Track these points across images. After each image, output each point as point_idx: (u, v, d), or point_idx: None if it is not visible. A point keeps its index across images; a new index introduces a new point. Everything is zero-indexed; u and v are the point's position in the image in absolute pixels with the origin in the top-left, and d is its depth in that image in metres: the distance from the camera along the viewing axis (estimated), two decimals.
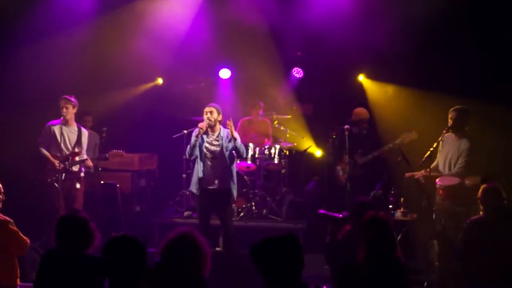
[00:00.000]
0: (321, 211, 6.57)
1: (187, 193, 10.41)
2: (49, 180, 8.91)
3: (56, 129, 9.12)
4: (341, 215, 6.27)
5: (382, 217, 5.10)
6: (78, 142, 9.19)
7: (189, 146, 8.43)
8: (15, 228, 6.16)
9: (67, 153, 9.06)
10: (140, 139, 11.63)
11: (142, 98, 11.84)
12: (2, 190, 6.28)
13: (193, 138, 8.36)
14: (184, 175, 10.69)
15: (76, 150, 9.13)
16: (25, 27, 10.22)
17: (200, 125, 8.32)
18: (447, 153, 8.35)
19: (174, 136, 11.22)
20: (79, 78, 10.61)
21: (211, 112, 8.41)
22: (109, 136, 9.77)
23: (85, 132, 9.31)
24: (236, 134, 8.39)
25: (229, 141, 8.40)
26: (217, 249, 9.14)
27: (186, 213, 10.46)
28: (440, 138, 8.30)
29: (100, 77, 10.97)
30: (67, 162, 8.98)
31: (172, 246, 4.61)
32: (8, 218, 6.16)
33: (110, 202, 10.27)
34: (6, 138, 10.05)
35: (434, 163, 8.42)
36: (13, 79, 10.41)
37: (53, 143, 9.08)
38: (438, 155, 8.47)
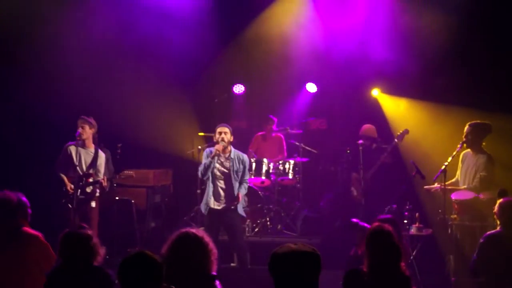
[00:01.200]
0: (354, 220, 6.51)
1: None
2: (63, 201, 8.92)
3: (73, 149, 9.07)
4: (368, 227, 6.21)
5: (386, 229, 5.07)
6: (93, 164, 9.09)
7: (203, 166, 8.34)
8: (45, 242, 6.13)
9: (81, 174, 9.03)
10: (157, 155, 11.62)
11: (156, 112, 11.84)
12: (29, 205, 6.28)
13: (207, 159, 8.27)
14: (198, 191, 10.66)
15: (91, 171, 9.09)
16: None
17: (217, 147, 8.24)
18: (466, 169, 8.31)
19: (189, 152, 11.27)
20: (93, 94, 10.65)
21: (225, 133, 8.33)
22: (124, 151, 9.78)
23: (102, 155, 9.20)
24: (240, 198, 8.42)
25: (239, 163, 8.38)
26: (232, 264, 9.10)
27: (201, 229, 10.42)
28: (454, 153, 8.25)
29: (113, 93, 11.00)
30: (81, 183, 8.96)
31: (175, 247, 4.60)
32: (38, 232, 6.15)
33: (125, 218, 10.26)
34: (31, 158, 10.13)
35: (453, 180, 8.39)
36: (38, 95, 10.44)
37: (69, 163, 9.06)
38: (458, 171, 8.42)
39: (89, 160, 9.10)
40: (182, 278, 4.47)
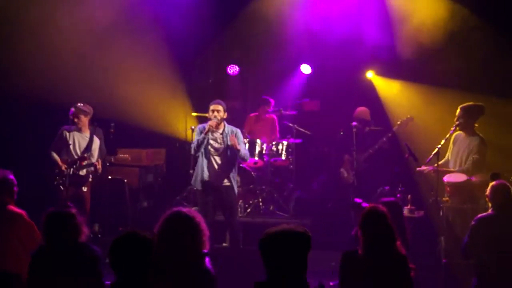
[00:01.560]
0: (358, 200, 6.51)
1: (195, 188, 10.37)
2: (55, 183, 8.93)
3: (68, 134, 9.16)
4: None
5: (380, 210, 5.09)
6: (88, 148, 9.20)
7: (196, 142, 8.36)
8: (30, 220, 6.11)
9: (75, 157, 9.07)
10: (148, 134, 11.60)
11: (151, 93, 11.79)
12: (16, 182, 6.25)
13: (201, 135, 8.28)
14: (191, 171, 10.57)
15: (85, 155, 9.12)
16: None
17: (210, 123, 8.22)
18: (457, 151, 8.30)
19: (182, 131, 11.30)
20: (87, 73, 10.59)
21: (218, 111, 8.32)
22: (117, 130, 9.76)
23: (96, 140, 9.29)
24: (239, 147, 8.33)
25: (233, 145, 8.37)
26: (224, 244, 9.12)
27: (194, 209, 10.43)
28: (447, 135, 8.25)
29: (106, 72, 10.94)
30: (74, 166, 9.00)
31: (166, 225, 4.60)
32: (22, 211, 6.12)
33: (117, 197, 10.26)
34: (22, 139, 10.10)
35: (443, 161, 8.37)
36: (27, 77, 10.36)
37: (64, 147, 9.13)
38: (448, 153, 8.42)
39: (84, 144, 9.19)
40: (172, 257, 4.48)
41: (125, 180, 10.49)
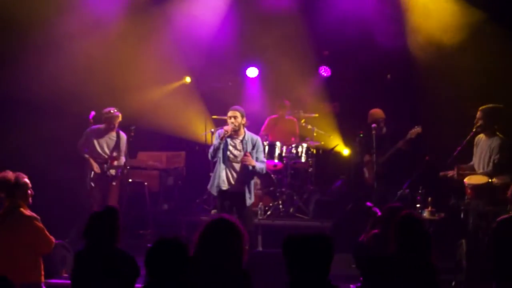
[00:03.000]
0: (369, 203, 6.48)
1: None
2: (87, 179, 9.11)
3: (96, 136, 9.40)
4: (379, 214, 6.18)
5: (416, 216, 5.08)
6: (117, 147, 9.41)
7: (212, 147, 8.34)
8: (41, 225, 6.14)
9: (105, 157, 9.23)
10: (168, 137, 11.64)
11: (169, 96, 11.84)
12: (30, 185, 6.29)
13: (216, 140, 8.29)
14: (211, 174, 10.61)
15: (114, 154, 9.28)
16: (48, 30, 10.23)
17: (226, 128, 8.22)
18: (480, 153, 8.24)
19: (201, 135, 11.30)
20: (107, 78, 10.66)
21: (235, 117, 8.27)
22: (138, 134, 9.82)
23: (123, 137, 9.51)
24: (254, 163, 8.27)
25: (253, 148, 8.35)
26: None
27: (213, 211, 10.44)
28: (468, 137, 8.21)
29: (128, 76, 11.02)
30: (105, 165, 9.19)
31: (209, 233, 4.54)
32: (34, 215, 6.15)
33: (138, 200, 10.33)
34: (33, 138, 10.16)
35: (469, 164, 8.34)
36: (41, 80, 10.42)
37: (91, 148, 9.30)
38: (474, 157, 8.37)
39: (112, 144, 9.37)
40: (214, 267, 4.44)
41: (145, 183, 10.54)
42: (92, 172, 9.25)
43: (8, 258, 5.95)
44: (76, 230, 8.83)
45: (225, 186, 8.32)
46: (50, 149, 9.95)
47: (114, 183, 9.37)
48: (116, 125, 9.47)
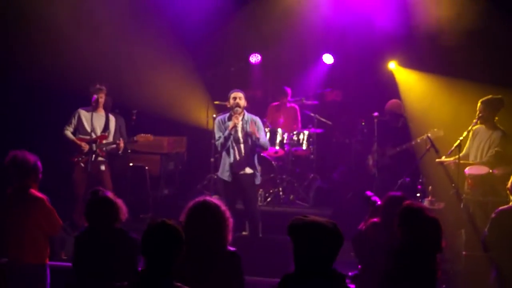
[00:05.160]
0: (368, 192, 6.49)
1: (215, 177, 10.42)
2: (75, 159, 9.04)
3: (85, 115, 9.25)
4: (379, 203, 6.19)
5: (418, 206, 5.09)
6: (106, 126, 9.30)
7: (222, 139, 8.31)
8: (51, 207, 6.20)
9: (95, 136, 9.16)
10: (169, 122, 11.67)
11: (171, 81, 11.83)
12: (41, 170, 6.34)
13: (226, 132, 8.27)
14: (212, 159, 10.69)
15: (106, 133, 9.22)
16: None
17: (235, 120, 8.22)
18: (479, 144, 8.25)
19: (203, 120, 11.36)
20: (109, 62, 10.69)
21: (240, 98, 8.34)
22: (139, 118, 9.84)
23: (112, 118, 9.39)
24: (258, 134, 8.34)
25: (252, 125, 8.37)
26: (243, 233, 9.16)
27: (214, 197, 10.47)
28: (469, 128, 8.22)
29: (129, 60, 11.02)
30: (94, 144, 9.09)
31: (192, 215, 4.69)
32: (45, 196, 6.21)
33: (138, 185, 10.37)
34: (30, 120, 10.19)
35: (463, 153, 8.33)
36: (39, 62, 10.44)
37: (80, 128, 9.20)
38: (468, 144, 8.37)
39: (101, 123, 9.27)
40: (197, 247, 4.55)
41: (146, 168, 10.60)
42: (83, 152, 9.08)
43: (18, 238, 6.05)
44: (75, 214, 8.88)
45: (230, 168, 8.37)
46: (50, 131, 9.98)
47: (103, 168, 9.23)
48: (101, 100, 9.26)
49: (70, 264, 5.44)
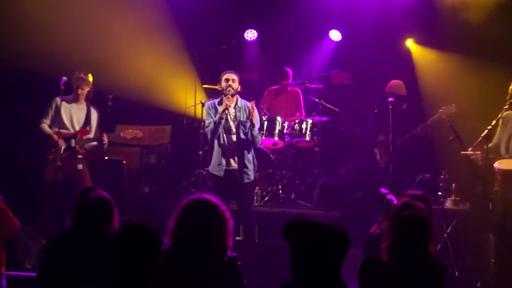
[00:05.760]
0: (383, 190, 6.43)
1: (204, 172, 10.39)
2: (50, 157, 9.00)
3: (63, 105, 9.17)
4: (396, 202, 6.14)
5: (416, 205, 5.02)
6: (87, 121, 9.28)
7: (212, 125, 8.23)
8: (4, 206, 6.14)
9: (73, 131, 9.13)
10: (152, 110, 11.61)
11: (154, 62, 11.78)
12: None
13: (216, 116, 8.18)
14: (200, 152, 10.64)
15: (87, 128, 9.21)
16: None
17: (226, 101, 8.14)
18: (510, 133, 8.23)
19: (190, 107, 11.27)
20: (77, 37, 10.62)
21: (233, 80, 8.27)
22: (116, 105, 9.75)
23: (94, 112, 9.37)
24: (255, 120, 8.26)
25: (249, 114, 8.29)
26: (237, 238, 9.13)
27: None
28: (499, 115, 8.17)
29: (104, 35, 10.96)
30: (73, 140, 9.07)
31: (186, 216, 4.55)
32: None
33: (115, 181, 10.28)
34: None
35: (492, 144, 8.28)
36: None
37: (58, 120, 9.14)
38: (498, 134, 8.34)
39: (82, 117, 9.23)
40: (193, 255, 4.46)
41: (124, 162, 10.55)
42: (60, 149, 9.01)
43: None
44: (41, 216, 8.82)
45: (221, 162, 8.30)
46: (16, 124, 9.94)
47: (80, 167, 9.20)
48: (85, 92, 9.27)
49: (34, 274, 5.36)
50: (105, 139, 9.21)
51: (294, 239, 3.83)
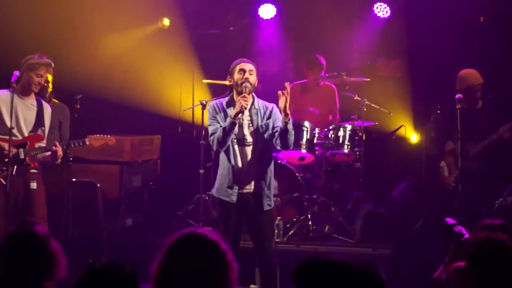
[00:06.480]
0: (449, 220, 6.39)
1: (206, 198, 10.36)
2: None
3: (4, 101, 9.04)
4: (467, 236, 6.11)
5: (501, 240, 4.98)
6: (39, 121, 9.14)
7: (220, 131, 7.99)
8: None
9: (21, 137, 9.03)
10: (135, 114, 11.61)
11: (138, 50, 11.81)
12: None
13: (227, 121, 8.04)
14: (201, 170, 10.63)
15: (39, 132, 9.10)
16: None
17: (242, 102, 7.88)
18: None
19: (186, 109, 11.27)
20: (44, 23, 10.67)
21: (250, 72, 8.03)
22: (86, 107, 9.71)
23: (47, 108, 9.22)
24: (288, 111, 7.95)
25: (268, 117, 8.14)
26: (252, 287, 9.09)
27: (206, 229, 10.40)
28: None
29: (73, 17, 11.01)
30: (21, 150, 8.97)
31: (176, 257, 4.44)
32: None
33: (86, 211, 10.29)
34: None
35: None
36: None
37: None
38: None
39: (32, 116, 9.07)
40: None
41: (98, 185, 10.53)
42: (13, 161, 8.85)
43: None
44: None
45: (231, 184, 8.08)
46: None
47: (34, 186, 9.10)
48: (42, 80, 9.00)
49: None
50: (57, 149, 8.95)
51: (307, 285, 3.80)
